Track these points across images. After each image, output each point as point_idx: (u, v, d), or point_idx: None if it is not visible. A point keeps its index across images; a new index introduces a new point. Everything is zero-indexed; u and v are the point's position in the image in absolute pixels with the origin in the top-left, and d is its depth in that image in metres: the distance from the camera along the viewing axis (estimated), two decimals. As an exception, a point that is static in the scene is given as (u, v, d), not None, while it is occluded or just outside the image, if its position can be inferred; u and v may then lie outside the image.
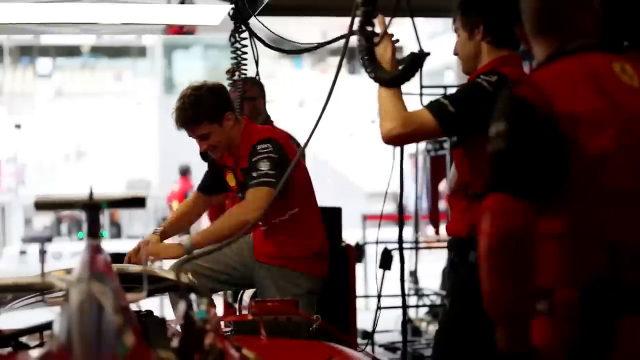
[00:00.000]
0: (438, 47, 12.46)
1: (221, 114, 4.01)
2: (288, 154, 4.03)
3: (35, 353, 1.97)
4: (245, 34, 4.73)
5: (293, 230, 4.15)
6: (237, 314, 3.51)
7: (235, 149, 4.07)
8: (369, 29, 2.62)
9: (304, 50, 4.56)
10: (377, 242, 5.52)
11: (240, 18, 4.64)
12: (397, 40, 2.99)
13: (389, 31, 2.91)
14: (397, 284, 6.00)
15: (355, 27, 2.62)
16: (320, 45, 4.45)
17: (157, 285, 2.54)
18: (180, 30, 5.04)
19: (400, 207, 3.57)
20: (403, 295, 4.35)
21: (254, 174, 3.92)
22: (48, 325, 2.04)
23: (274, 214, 4.08)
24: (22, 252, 20.96)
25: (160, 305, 6.98)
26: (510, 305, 1.98)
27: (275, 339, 2.80)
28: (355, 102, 29.39)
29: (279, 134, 4.24)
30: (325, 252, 4.29)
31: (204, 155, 4.48)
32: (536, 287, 2.02)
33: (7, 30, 5.24)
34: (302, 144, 2.91)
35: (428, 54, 2.82)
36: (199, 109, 3.98)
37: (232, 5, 4.67)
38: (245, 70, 4.71)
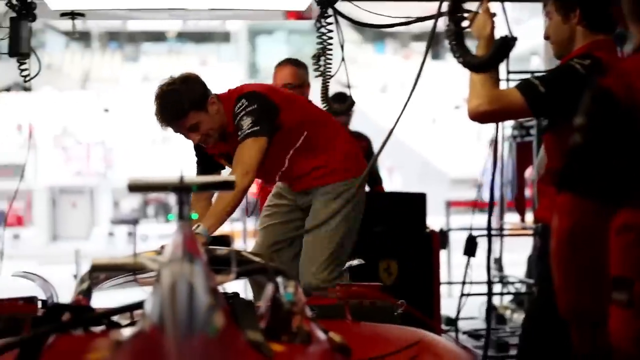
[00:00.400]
0: (524, 32, 12.27)
1: (204, 100, 3.93)
2: (269, 96, 4.00)
3: (127, 331, 2.01)
4: (331, 19, 4.72)
5: (316, 147, 4.14)
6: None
7: (227, 128, 4.01)
8: (458, 14, 2.60)
9: (394, 25, 4.51)
10: (471, 229, 5.46)
11: (326, 2, 4.63)
12: (495, 15, 2.94)
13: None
14: (481, 271, 5.96)
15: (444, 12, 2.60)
16: (409, 22, 4.40)
17: (245, 268, 2.57)
18: (300, 15, 5.01)
19: (492, 193, 3.53)
20: (489, 282, 4.31)
21: (239, 134, 3.90)
22: (139, 305, 2.08)
23: (284, 151, 4.08)
24: (110, 234, 21.46)
25: (244, 288, 7.06)
26: (578, 304, 1.95)
27: (360, 323, 2.81)
28: (438, 87, 29.20)
29: (251, 86, 4.15)
30: (356, 149, 4.31)
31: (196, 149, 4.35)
32: (615, 278, 1.99)
33: (96, 16, 5.32)
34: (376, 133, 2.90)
35: (516, 38, 2.78)
36: (182, 101, 3.88)
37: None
38: (331, 55, 4.71)
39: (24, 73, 4.47)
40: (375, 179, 7.09)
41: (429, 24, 2.86)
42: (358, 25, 4.75)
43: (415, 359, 2.32)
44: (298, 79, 5.02)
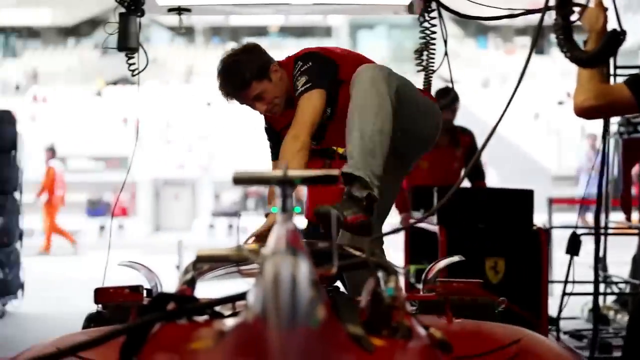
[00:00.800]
0: (633, 25, 11.94)
1: (266, 68, 3.87)
2: (324, 53, 3.86)
3: (230, 322, 2.05)
4: (434, 13, 4.68)
5: None
6: (421, 292, 3.51)
7: (292, 93, 3.89)
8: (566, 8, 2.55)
9: (500, 17, 4.44)
10: (575, 227, 5.34)
11: (430, -3, 4.60)
12: (607, 8, 2.87)
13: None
14: (583, 269, 5.83)
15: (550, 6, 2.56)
16: (515, 15, 4.33)
17: (346, 262, 2.57)
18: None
19: (599, 190, 3.43)
20: (596, 282, 4.20)
21: (296, 95, 3.79)
22: (242, 296, 2.11)
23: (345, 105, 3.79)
24: (211, 226, 21.79)
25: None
26: None
27: (461, 319, 2.79)
28: (541, 82, 28.70)
29: (307, 48, 4.00)
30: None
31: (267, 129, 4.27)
32: None
33: (201, 11, 5.42)
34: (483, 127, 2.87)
35: (626, 32, 2.71)
36: (243, 71, 3.84)
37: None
38: (434, 49, 4.68)
39: (132, 67, 4.56)
40: (477, 173, 7.05)
41: (534, 18, 2.81)
42: (463, 18, 4.68)
43: (516, 358, 2.29)
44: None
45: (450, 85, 5.68)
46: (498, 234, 5.25)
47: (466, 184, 7.00)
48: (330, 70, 3.85)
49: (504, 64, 33.62)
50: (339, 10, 6.01)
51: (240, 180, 2.06)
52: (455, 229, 5.30)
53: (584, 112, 2.88)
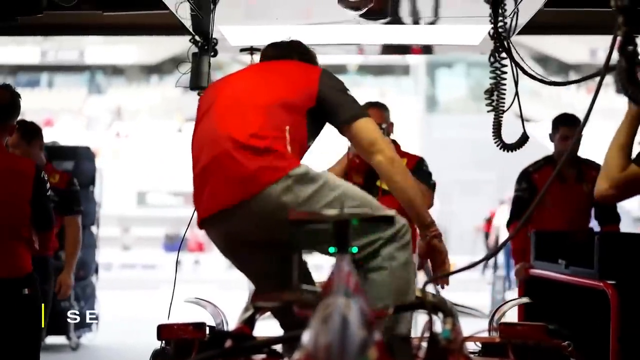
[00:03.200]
0: None
1: None
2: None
3: (285, 361, 2.06)
4: (504, 54, 4.64)
5: None
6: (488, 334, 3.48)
7: None
8: (630, 48, 2.52)
9: (560, 84, 4.41)
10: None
11: (499, 38, 4.57)
12: None
13: None
14: None
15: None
16: (568, 82, 4.31)
17: (403, 304, 2.56)
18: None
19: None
20: None
21: None
22: (297, 336, 2.12)
23: None
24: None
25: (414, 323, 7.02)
26: None
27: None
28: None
29: None
30: None
31: None
32: None
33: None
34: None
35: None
36: None
37: (492, 25, 4.61)
38: (504, 90, 4.64)
39: (203, 106, 4.62)
40: (611, 216, 6.17)
41: (616, 56, 2.76)
42: (524, 74, 4.56)
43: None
44: (385, 120, 5.09)
45: (522, 124, 5.53)
46: None
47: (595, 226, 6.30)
48: None
49: (585, 103, 33.17)
50: (408, 50, 6.02)
51: (296, 221, 2.08)
52: (625, 286, 4.44)
53: (606, 199, 3.04)
